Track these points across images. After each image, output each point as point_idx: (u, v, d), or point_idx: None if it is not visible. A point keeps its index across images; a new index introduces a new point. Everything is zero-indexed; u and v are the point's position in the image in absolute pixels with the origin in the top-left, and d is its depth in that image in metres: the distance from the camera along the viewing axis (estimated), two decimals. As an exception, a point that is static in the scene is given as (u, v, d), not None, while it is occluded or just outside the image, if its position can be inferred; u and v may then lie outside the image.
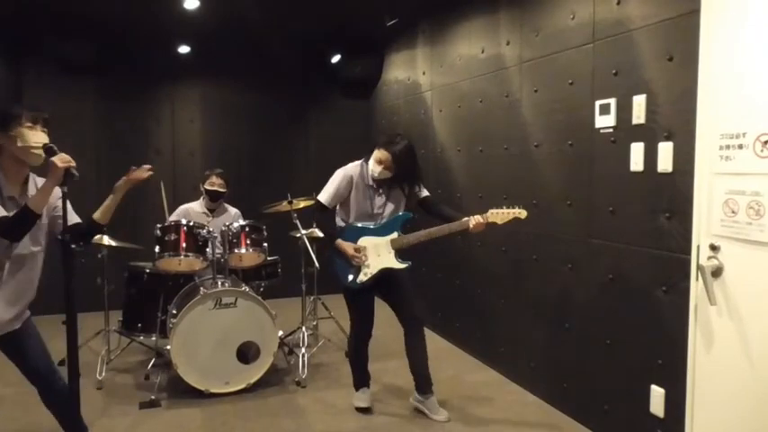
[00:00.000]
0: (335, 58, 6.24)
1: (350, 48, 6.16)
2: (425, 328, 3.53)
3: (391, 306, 3.44)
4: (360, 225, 3.36)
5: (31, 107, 2.46)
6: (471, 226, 3.17)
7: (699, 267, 2.47)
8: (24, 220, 2.32)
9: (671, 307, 2.68)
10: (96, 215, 2.59)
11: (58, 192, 2.43)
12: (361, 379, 3.58)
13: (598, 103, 3.06)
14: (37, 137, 2.40)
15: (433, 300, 4.99)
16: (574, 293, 3.33)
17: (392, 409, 3.56)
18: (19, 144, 2.38)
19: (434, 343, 4.48)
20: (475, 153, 4.34)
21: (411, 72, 5.49)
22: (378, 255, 3.33)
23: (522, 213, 3.17)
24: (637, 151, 2.83)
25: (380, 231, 3.34)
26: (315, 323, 4.82)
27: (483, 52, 4.18)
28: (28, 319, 2.59)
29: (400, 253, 3.34)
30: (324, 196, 3.35)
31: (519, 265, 3.84)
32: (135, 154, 5.91)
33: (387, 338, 4.08)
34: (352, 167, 3.38)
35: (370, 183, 3.36)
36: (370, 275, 3.31)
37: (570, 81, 3.29)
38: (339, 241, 3.30)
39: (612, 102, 2.96)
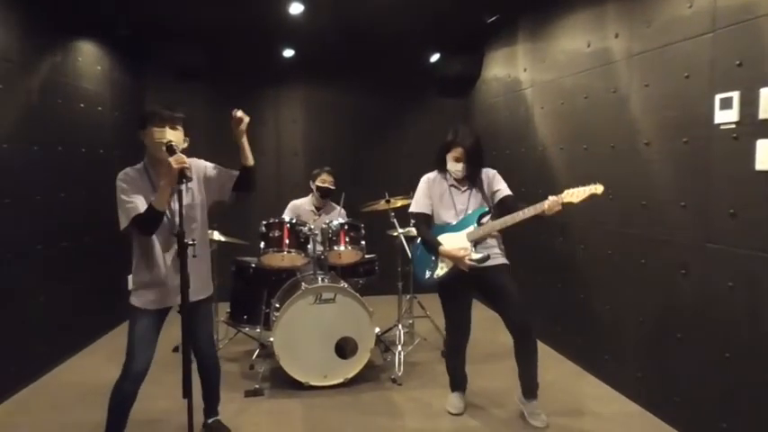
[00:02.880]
0: (434, 57, 6.24)
1: (449, 46, 6.14)
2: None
3: (497, 313, 3.33)
4: (441, 224, 3.37)
5: (164, 107, 2.72)
6: (546, 207, 3.03)
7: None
8: (150, 216, 2.59)
9: (802, 320, 2.44)
10: (242, 161, 2.85)
11: (201, 164, 2.87)
12: (457, 382, 3.55)
13: (718, 96, 2.84)
14: (163, 134, 2.64)
15: (532, 304, 4.84)
16: (687, 302, 3.11)
17: (487, 413, 3.50)
18: (149, 141, 2.68)
19: (533, 347, 4.35)
20: (578, 151, 4.17)
21: (511, 69, 5.37)
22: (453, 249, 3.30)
23: (599, 188, 2.99)
24: (763, 148, 2.59)
25: (458, 227, 3.31)
26: (411, 322, 4.85)
27: (589, 46, 4.01)
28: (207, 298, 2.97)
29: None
30: (417, 206, 3.42)
31: (625, 270, 3.65)
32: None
33: (485, 340, 4.03)
34: (433, 173, 3.48)
35: (452, 183, 3.39)
36: (446, 270, 3.29)
37: (686, 74, 3.07)
38: (442, 247, 3.26)
39: (735, 95, 2.74)
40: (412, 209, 3.45)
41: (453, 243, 3.27)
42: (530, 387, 3.33)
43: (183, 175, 2.49)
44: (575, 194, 3.01)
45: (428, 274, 3.37)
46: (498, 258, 3.34)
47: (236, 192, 2.93)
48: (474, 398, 3.65)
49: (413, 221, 3.52)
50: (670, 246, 3.23)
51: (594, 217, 3.98)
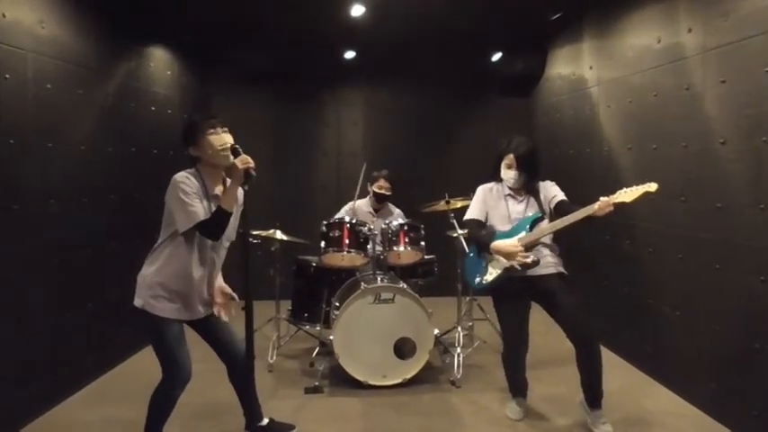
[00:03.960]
0: (496, 56, 6.15)
1: (511, 45, 6.04)
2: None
3: (558, 323, 3.24)
4: (495, 231, 3.34)
5: (206, 115, 2.71)
6: (596, 209, 2.94)
7: None
8: (220, 219, 2.60)
9: None
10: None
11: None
12: (517, 387, 3.49)
13: (802, 92, 2.67)
14: (221, 140, 2.66)
15: (596, 309, 4.71)
16: (767, 310, 2.94)
17: (549, 421, 3.42)
18: (209, 151, 2.65)
19: (597, 353, 4.22)
20: (647, 151, 4.01)
21: (576, 67, 5.23)
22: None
23: (652, 186, 2.87)
24: None
25: (510, 234, 3.27)
26: (470, 324, 4.79)
27: (659, 42, 3.85)
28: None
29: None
30: (471, 213, 3.43)
31: (697, 275, 3.48)
32: (305, 156, 6.36)
33: (546, 344, 3.94)
34: (490, 183, 3.47)
35: (507, 192, 3.37)
36: (495, 275, 3.25)
37: (766, 69, 2.90)
38: (495, 243, 3.23)
39: (821, 91, 2.56)
40: (466, 217, 3.46)
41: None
42: (594, 396, 3.22)
43: (248, 175, 2.55)
44: (627, 194, 2.92)
45: (477, 279, 3.36)
46: (550, 268, 3.27)
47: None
48: (535, 404, 3.58)
49: (466, 229, 3.50)
50: (747, 251, 3.06)
51: (664, 220, 3.82)
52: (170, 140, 5.18)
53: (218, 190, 2.72)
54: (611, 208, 2.93)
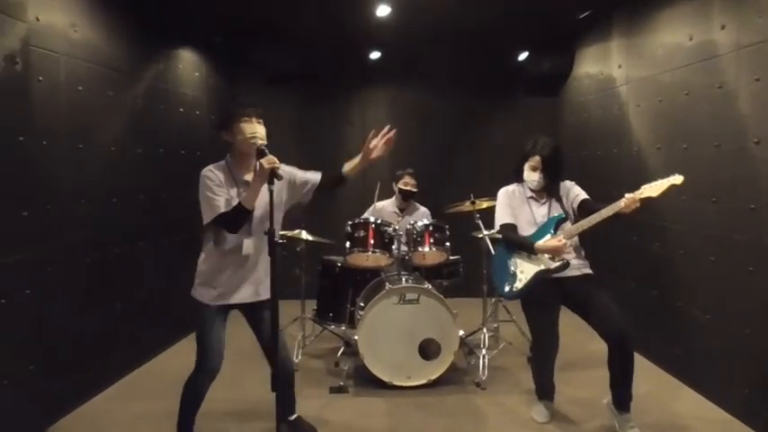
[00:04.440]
0: (522, 56, 6.10)
1: (538, 44, 5.98)
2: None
3: (589, 324, 3.18)
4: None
5: (243, 104, 2.81)
6: (622, 206, 2.88)
7: None
8: (238, 215, 2.67)
9: None
10: (346, 169, 2.93)
11: (288, 168, 2.85)
12: (544, 390, 3.44)
13: (842, 90, 2.59)
14: (252, 128, 2.75)
15: (625, 311, 4.62)
16: (802, 314, 2.86)
17: (576, 425, 3.37)
18: (239, 137, 2.75)
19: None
20: (677, 151, 3.94)
21: (604, 66, 5.16)
22: (530, 260, 3.22)
23: (678, 179, 2.82)
24: None
25: (534, 237, 3.23)
26: (496, 325, 4.76)
27: (691, 40, 3.77)
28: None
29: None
30: (501, 218, 3.37)
31: (730, 277, 3.40)
32: (329, 156, 6.36)
33: (574, 346, 3.89)
34: (511, 186, 3.43)
35: (531, 195, 3.34)
36: (525, 282, 3.21)
37: (803, 66, 2.82)
38: (539, 243, 3.17)
39: None
40: (499, 222, 3.39)
41: (528, 253, 3.23)
42: (623, 399, 3.16)
43: (273, 176, 2.56)
44: (653, 188, 2.87)
45: (507, 287, 3.32)
46: (578, 269, 3.23)
47: (318, 194, 2.99)
48: (562, 407, 3.53)
49: (500, 235, 3.44)
50: (783, 253, 2.98)
51: (695, 221, 3.74)
52: (197, 141, 5.26)
53: (249, 177, 2.78)
54: (638, 204, 2.88)
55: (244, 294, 2.82)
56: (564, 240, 3.10)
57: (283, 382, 2.93)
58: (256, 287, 2.83)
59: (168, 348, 4.69)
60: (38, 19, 3.22)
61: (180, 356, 4.55)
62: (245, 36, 5.77)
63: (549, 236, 3.18)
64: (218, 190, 2.73)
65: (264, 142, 2.73)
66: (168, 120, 4.81)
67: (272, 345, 2.56)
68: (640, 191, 2.89)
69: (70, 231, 3.51)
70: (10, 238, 2.65)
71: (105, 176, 3.87)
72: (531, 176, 3.29)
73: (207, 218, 2.71)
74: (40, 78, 3.23)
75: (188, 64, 5.18)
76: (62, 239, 3.44)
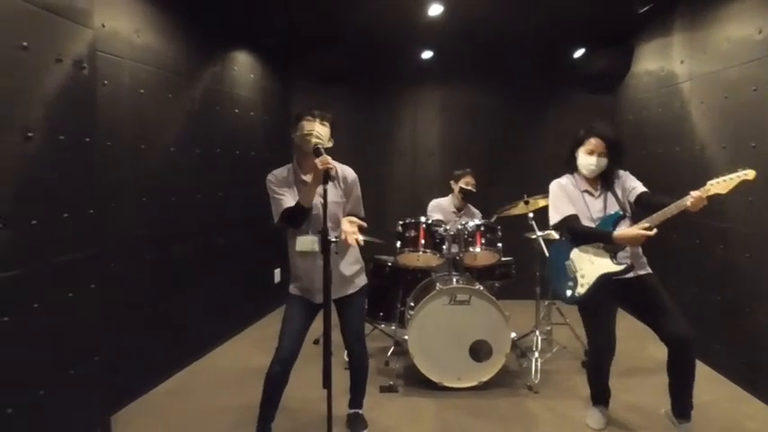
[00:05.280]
0: (578, 53, 5.95)
1: (595, 40, 5.82)
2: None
3: (650, 327, 3.06)
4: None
5: (313, 107, 2.93)
6: (689, 204, 2.73)
7: None
8: (296, 212, 2.81)
9: None
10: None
11: (351, 175, 3.03)
12: (599, 396, 3.35)
13: None
14: (310, 126, 2.85)
15: (686, 317, 4.45)
16: None
17: (630, 431, 3.27)
18: (297, 133, 2.88)
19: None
20: (745, 150, 3.75)
21: (665, 62, 4.97)
22: (591, 262, 3.09)
23: (750, 174, 2.65)
24: None
25: None
26: (549, 328, 4.66)
27: (760, 33, 3.59)
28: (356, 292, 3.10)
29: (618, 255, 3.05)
30: (561, 211, 3.17)
31: (802, 284, 3.22)
32: (380, 156, 6.40)
33: (631, 352, 3.77)
34: (563, 178, 3.27)
35: (585, 188, 3.19)
36: (587, 287, 3.07)
37: None
38: (617, 233, 2.98)
39: None
40: (556, 218, 3.19)
41: (588, 255, 3.11)
42: (684, 407, 3.04)
43: (327, 176, 2.60)
44: (721, 184, 2.71)
45: (569, 293, 3.16)
46: (640, 269, 3.10)
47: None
48: (617, 414, 3.43)
49: (557, 230, 3.32)
50: None
51: (762, 223, 3.56)
52: (252, 141, 5.37)
53: (309, 177, 2.85)
54: (706, 202, 2.74)
55: (318, 295, 2.88)
56: (639, 232, 2.87)
57: (359, 377, 3.22)
58: (335, 285, 2.85)
59: (224, 343, 4.80)
60: (103, 26, 3.36)
61: (236, 352, 4.67)
62: (297, 37, 5.85)
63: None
64: (279, 189, 2.88)
65: (320, 141, 2.80)
66: (224, 121, 4.93)
67: (327, 342, 2.58)
68: (707, 188, 2.74)
69: (133, 229, 3.66)
70: (78, 236, 2.77)
71: (165, 176, 4.00)
72: (588, 160, 3.11)
73: (275, 215, 2.88)
74: (105, 82, 3.37)
75: (243, 66, 5.29)
76: (125, 236, 3.58)
